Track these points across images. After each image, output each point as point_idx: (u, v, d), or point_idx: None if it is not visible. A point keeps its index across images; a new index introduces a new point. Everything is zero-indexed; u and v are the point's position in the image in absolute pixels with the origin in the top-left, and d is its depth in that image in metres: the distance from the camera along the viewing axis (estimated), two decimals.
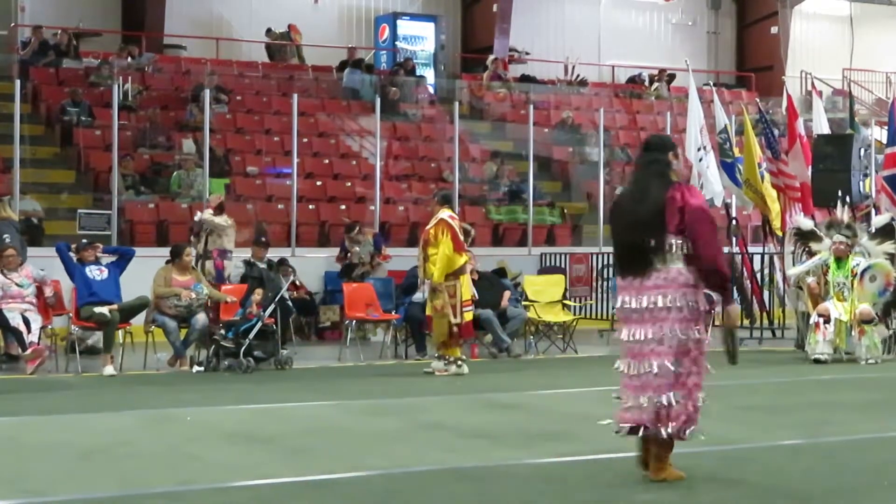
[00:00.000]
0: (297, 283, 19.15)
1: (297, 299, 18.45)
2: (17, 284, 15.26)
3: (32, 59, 25.14)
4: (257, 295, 15.63)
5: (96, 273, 15.34)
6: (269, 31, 29.10)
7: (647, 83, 32.82)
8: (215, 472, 8.44)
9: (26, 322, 14.97)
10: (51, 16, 26.79)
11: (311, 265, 20.24)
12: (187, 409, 11.63)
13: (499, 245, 23.44)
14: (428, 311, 15.10)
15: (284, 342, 16.20)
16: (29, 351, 14.79)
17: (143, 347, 15.75)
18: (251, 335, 15.14)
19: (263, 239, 18.17)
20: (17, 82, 20.36)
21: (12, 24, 26.87)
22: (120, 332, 15.30)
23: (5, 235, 15.98)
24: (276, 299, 15.72)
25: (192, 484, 8.00)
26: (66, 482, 8.10)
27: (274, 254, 18.75)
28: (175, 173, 22.05)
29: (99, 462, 8.80)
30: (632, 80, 33.38)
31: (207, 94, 21.51)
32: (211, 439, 9.98)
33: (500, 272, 19.17)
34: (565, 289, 19.57)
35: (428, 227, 15.08)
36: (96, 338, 15.97)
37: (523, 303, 18.09)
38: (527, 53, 32.44)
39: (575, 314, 18.84)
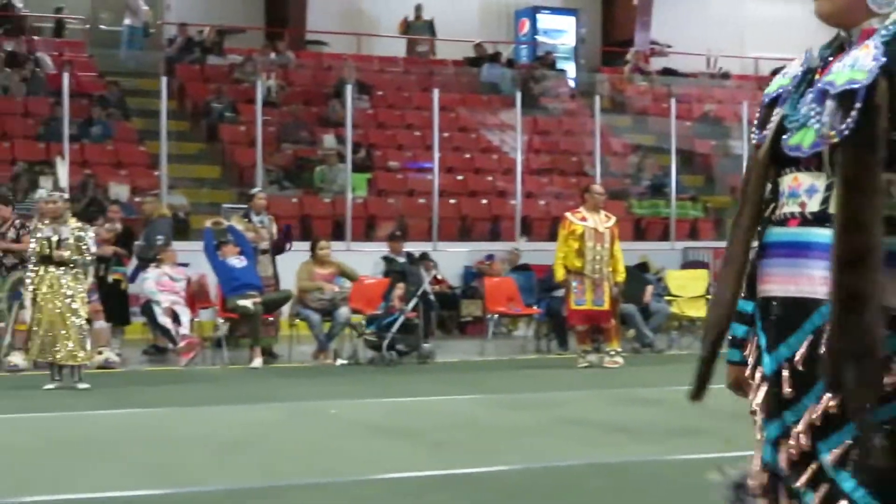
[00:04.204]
0: (439, 277, 19.20)
1: (439, 293, 18.49)
2: (170, 277, 15.55)
3: (178, 56, 25.52)
4: (399, 289, 15.70)
5: (236, 262, 15.51)
6: (405, 20, 29.27)
7: None
8: (357, 465, 8.48)
9: (175, 316, 15.22)
10: (196, 13, 27.19)
11: (452, 259, 20.27)
12: (331, 402, 11.72)
13: (641, 239, 23.26)
14: (606, 306, 15.00)
15: (427, 336, 16.26)
16: (183, 343, 15.03)
17: (288, 340, 15.95)
18: (394, 329, 15.21)
19: (398, 233, 18.22)
20: (164, 79, 20.69)
21: (158, 22, 27.32)
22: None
23: (159, 237, 16.24)
24: (419, 293, 15.78)
25: (334, 476, 8.06)
26: (211, 473, 8.21)
27: (415, 248, 18.82)
28: (318, 168, 22.23)
29: (244, 453, 8.90)
30: (776, 72, 32.78)
31: (349, 89, 21.65)
32: (353, 432, 10.04)
33: (643, 267, 19.04)
34: (709, 283, 19.34)
35: (609, 224, 15.03)
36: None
37: (666, 298, 17.94)
38: (668, 46, 32.14)
39: None
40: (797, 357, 3.12)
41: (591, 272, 14.88)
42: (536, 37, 30.82)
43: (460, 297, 19.96)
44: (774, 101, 3.33)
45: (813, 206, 3.13)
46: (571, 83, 29.62)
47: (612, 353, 15.07)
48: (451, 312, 19.74)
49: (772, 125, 3.27)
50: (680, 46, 32.09)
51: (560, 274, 15.08)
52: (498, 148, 25.42)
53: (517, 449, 9.07)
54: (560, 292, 15.94)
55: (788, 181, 3.20)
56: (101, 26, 26.94)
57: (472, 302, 19.72)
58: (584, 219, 15.01)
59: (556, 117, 27.15)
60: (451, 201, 22.62)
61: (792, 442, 3.15)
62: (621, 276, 15.09)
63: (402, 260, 17.22)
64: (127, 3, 26.31)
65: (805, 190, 3.16)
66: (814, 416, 3.07)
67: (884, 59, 3.04)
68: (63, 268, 12.51)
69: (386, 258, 17.31)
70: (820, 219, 3.09)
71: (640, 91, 29.51)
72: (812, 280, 3.06)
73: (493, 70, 27.97)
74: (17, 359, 13.96)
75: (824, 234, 3.05)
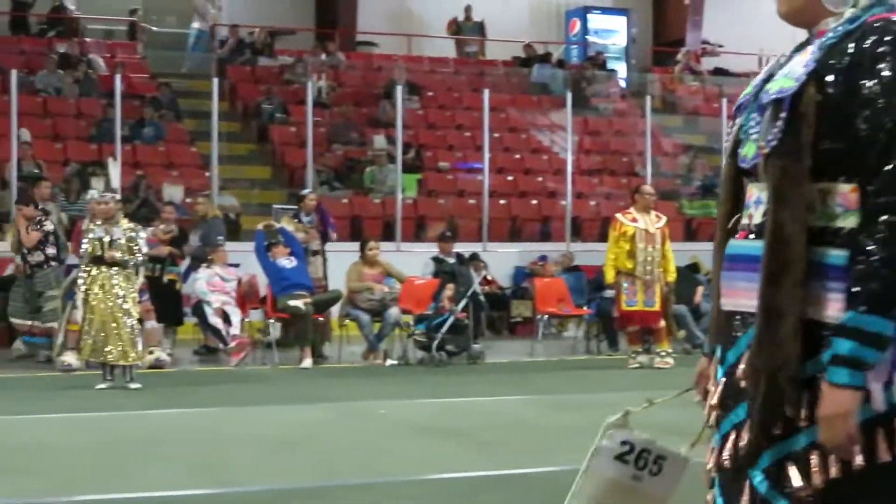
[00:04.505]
0: (489, 277, 19.18)
1: (489, 294, 18.47)
2: (221, 278, 15.60)
3: (229, 58, 25.63)
4: (449, 290, 15.70)
5: (286, 262, 15.54)
6: (454, 21, 29.29)
7: None
8: (408, 465, 8.48)
9: (226, 316, 15.27)
10: (247, 15, 27.29)
11: (502, 260, 20.25)
12: (381, 403, 11.72)
13: (692, 240, 23.12)
14: (657, 307, 14.96)
15: (476, 336, 16.24)
16: (233, 343, 15.08)
17: (338, 341, 15.99)
18: (444, 329, 15.21)
19: (448, 234, 18.22)
20: (215, 80, 20.77)
21: (211, 24, 27.43)
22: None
23: (220, 237, 16.29)
24: (469, 294, 15.77)
25: (384, 476, 8.06)
26: (261, 472, 8.23)
27: (465, 249, 18.80)
28: (368, 169, 22.26)
29: (294, 453, 8.92)
30: None
31: (399, 90, 21.66)
32: (403, 432, 10.04)
33: (694, 267, 18.94)
34: None
35: (659, 224, 15.01)
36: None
37: None
38: (720, 46, 31.98)
39: None
40: (731, 371, 3.08)
41: (643, 273, 14.82)
42: (587, 37, 30.75)
43: (510, 298, 19.94)
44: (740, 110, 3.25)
45: (757, 217, 3.05)
46: (622, 83, 29.54)
47: (663, 353, 15.02)
48: (501, 313, 19.73)
49: (731, 135, 3.19)
50: (731, 46, 31.91)
51: (610, 276, 15.02)
52: (548, 148, 25.39)
53: (567, 449, 9.01)
54: (610, 293, 15.83)
55: (747, 193, 3.13)
56: (153, 28, 27.07)
57: (522, 302, 19.69)
58: (634, 220, 14.95)
59: (607, 118, 27.09)
60: (501, 202, 22.59)
61: (725, 455, 3.10)
62: (672, 277, 15.07)
63: (451, 260, 17.20)
64: (195, 7, 26.50)
65: (754, 202, 3.08)
66: (741, 436, 3.03)
67: (813, 66, 2.96)
68: (115, 268, 12.58)
69: (436, 259, 17.30)
70: (760, 231, 3.02)
71: (691, 91, 29.38)
72: (751, 293, 2.99)
73: (543, 70, 27.93)
74: (69, 358, 14.06)
75: (761, 247, 2.98)
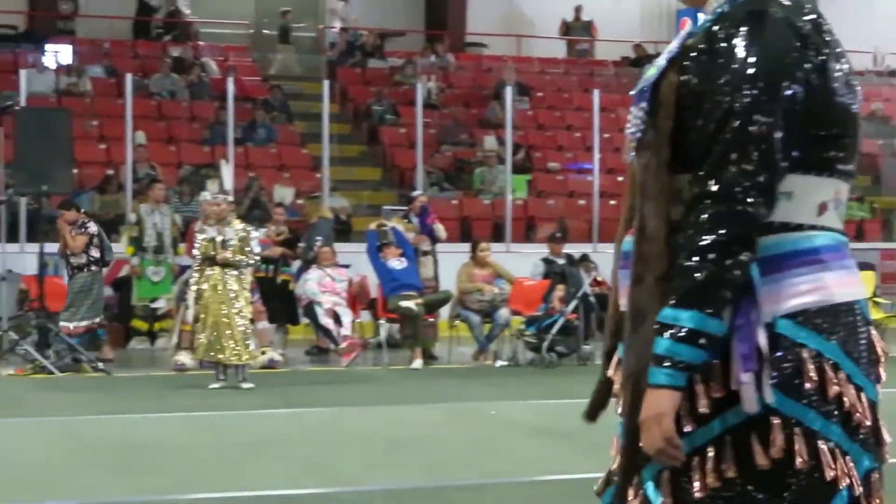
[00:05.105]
0: (599, 278, 19.08)
1: (599, 295, 18.37)
2: (332, 278, 15.68)
3: (340, 60, 25.81)
4: (559, 291, 15.65)
5: (396, 263, 15.58)
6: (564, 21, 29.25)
7: None
8: (518, 466, 8.48)
9: (337, 317, 15.36)
10: (357, 17, 27.43)
11: (612, 261, 20.11)
12: (491, 403, 11.72)
13: None
14: None
15: (587, 338, 16.17)
16: (344, 344, 15.15)
17: (448, 342, 16.01)
18: (554, 331, 15.17)
19: (559, 235, 18.14)
20: (326, 83, 20.89)
21: (320, 27, 27.64)
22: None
23: (318, 238, 16.36)
24: (579, 295, 15.71)
25: (495, 477, 8.06)
26: (374, 472, 8.27)
27: (575, 250, 18.72)
28: (477, 170, 22.26)
29: (406, 453, 8.95)
30: None
31: (509, 90, 21.64)
32: (514, 433, 10.03)
33: None
34: (876, 286, 18.93)
35: None
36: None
37: None
38: None
39: (887, 312, 18.21)
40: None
41: None
42: None
43: None
44: None
45: None
46: None
47: None
48: None
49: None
50: (845, 44, 31.27)
51: None
52: None
53: None
54: None
55: None
56: (264, 31, 27.33)
57: None
58: None
59: None
60: (612, 202, 22.42)
61: (613, 466, 2.99)
62: None
63: (561, 261, 17.14)
64: (333, 10, 26.75)
65: None
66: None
67: (675, 51, 2.81)
68: (227, 269, 12.71)
69: (546, 260, 17.24)
70: None
71: None
72: None
73: None
74: (183, 358, 14.23)
75: None
